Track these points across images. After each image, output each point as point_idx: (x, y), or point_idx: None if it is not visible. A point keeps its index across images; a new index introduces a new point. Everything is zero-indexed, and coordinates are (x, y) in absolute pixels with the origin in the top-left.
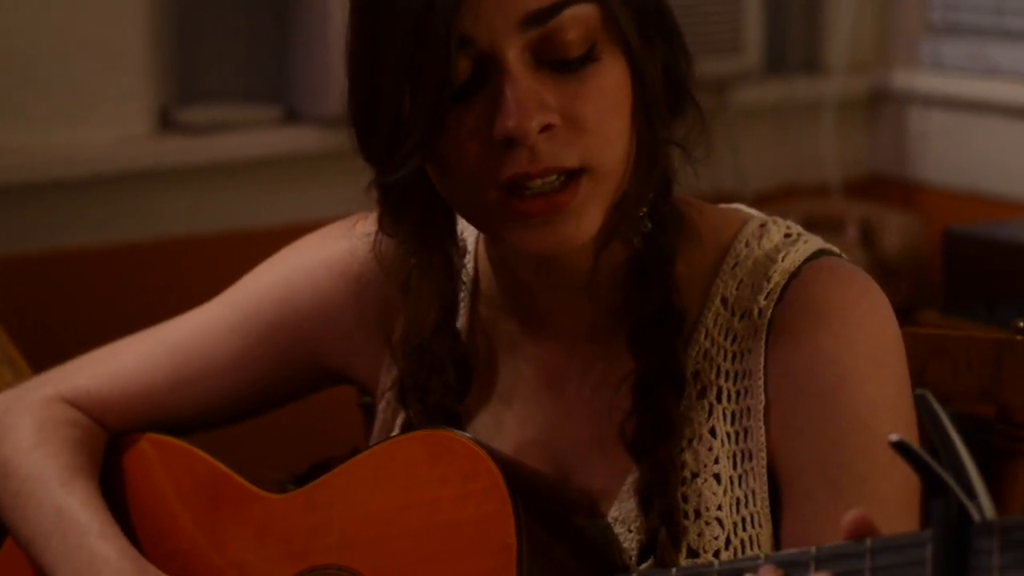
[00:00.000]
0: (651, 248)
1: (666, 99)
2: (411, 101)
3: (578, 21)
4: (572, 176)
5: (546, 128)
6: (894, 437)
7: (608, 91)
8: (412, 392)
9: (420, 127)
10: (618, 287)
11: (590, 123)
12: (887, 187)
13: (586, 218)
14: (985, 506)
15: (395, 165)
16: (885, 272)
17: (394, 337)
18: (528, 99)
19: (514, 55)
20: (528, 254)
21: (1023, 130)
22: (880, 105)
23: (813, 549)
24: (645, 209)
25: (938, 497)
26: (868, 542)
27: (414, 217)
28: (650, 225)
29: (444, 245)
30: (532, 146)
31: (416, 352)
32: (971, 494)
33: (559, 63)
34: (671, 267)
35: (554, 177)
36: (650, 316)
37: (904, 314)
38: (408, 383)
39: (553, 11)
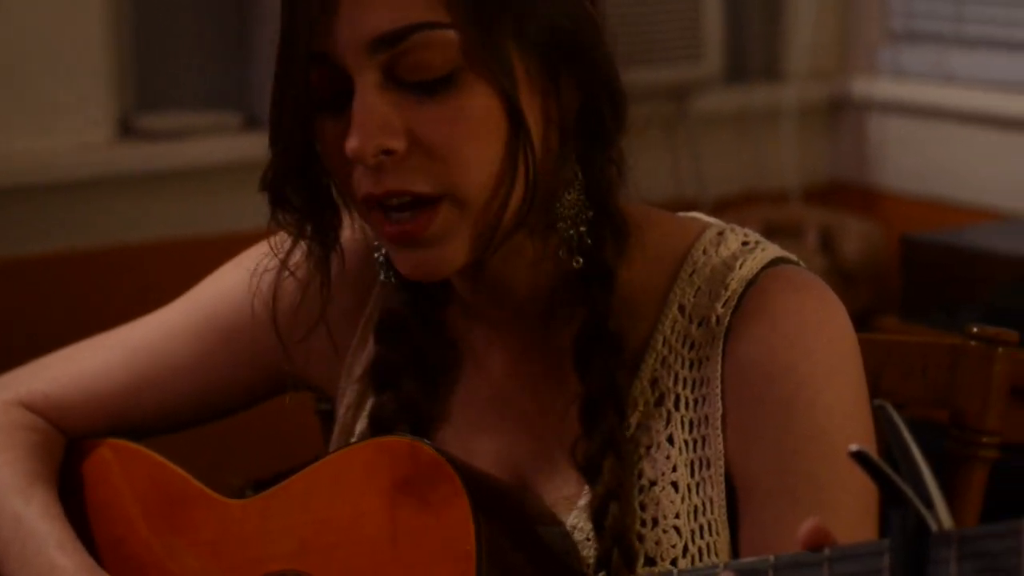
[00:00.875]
0: (590, 267)
1: (582, 130)
2: (282, 108)
3: (433, 45)
4: (430, 202)
5: (389, 152)
6: (853, 447)
7: (468, 119)
8: (383, 378)
9: (285, 134)
10: (558, 304)
11: (443, 149)
12: (847, 194)
13: (447, 248)
14: (943, 516)
15: (270, 168)
16: (845, 278)
17: (362, 324)
18: (370, 121)
19: (365, 75)
20: (404, 275)
21: (982, 137)
22: (840, 112)
23: (771, 558)
24: (583, 228)
25: (896, 507)
26: (827, 551)
27: (294, 212)
28: (590, 242)
29: (335, 244)
30: (377, 167)
31: (391, 340)
32: (929, 504)
33: (417, 85)
34: (610, 286)
35: (408, 199)
36: (589, 339)
37: (863, 320)
38: (380, 370)
39: (402, 35)
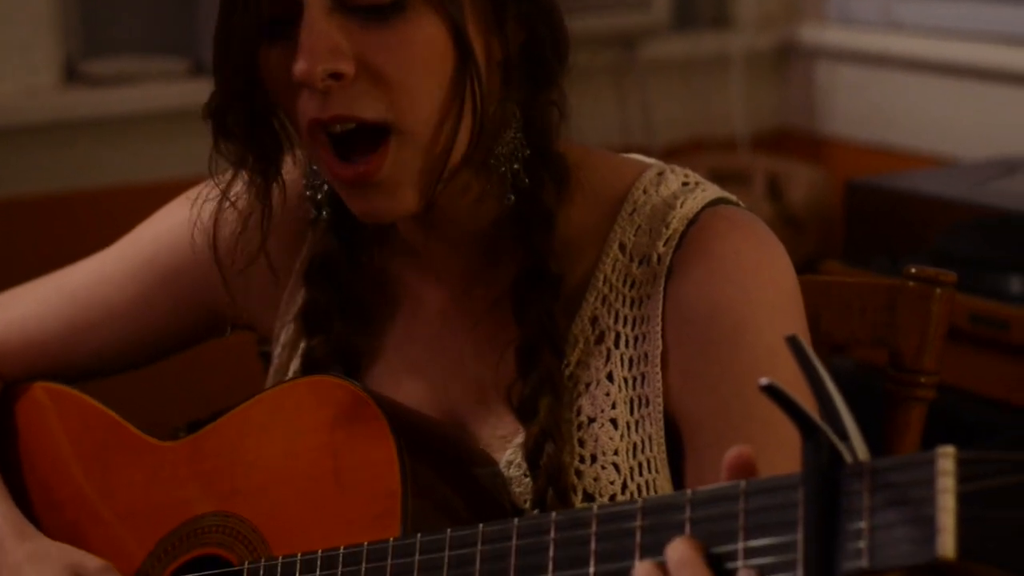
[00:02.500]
0: (528, 204)
1: (524, 69)
2: (228, 34)
3: None
4: (376, 135)
5: (337, 75)
6: (764, 381)
7: (417, 46)
8: (314, 322)
9: (231, 61)
10: (497, 242)
11: (391, 76)
12: (795, 141)
13: (398, 191)
14: (857, 447)
15: (214, 96)
16: (792, 225)
17: (299, 264)
18: (318, 44)
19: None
20: (355, 216)
21: (929, 84)
22: (788, 60)
23: (688, 492)
24: (517, 167)
25: (809, 439)
26: (742, 484)
27: (237, 142)
28: (527, 181)
29: (276, 175)
30: (324, 91)
31: (319, 283)
32: (843, 436)
33: (366, 9)
34: (549, 226)
35: (353, 125)
36: (527, 280)
37: (808, 266)
38: (310, 313)
39: None
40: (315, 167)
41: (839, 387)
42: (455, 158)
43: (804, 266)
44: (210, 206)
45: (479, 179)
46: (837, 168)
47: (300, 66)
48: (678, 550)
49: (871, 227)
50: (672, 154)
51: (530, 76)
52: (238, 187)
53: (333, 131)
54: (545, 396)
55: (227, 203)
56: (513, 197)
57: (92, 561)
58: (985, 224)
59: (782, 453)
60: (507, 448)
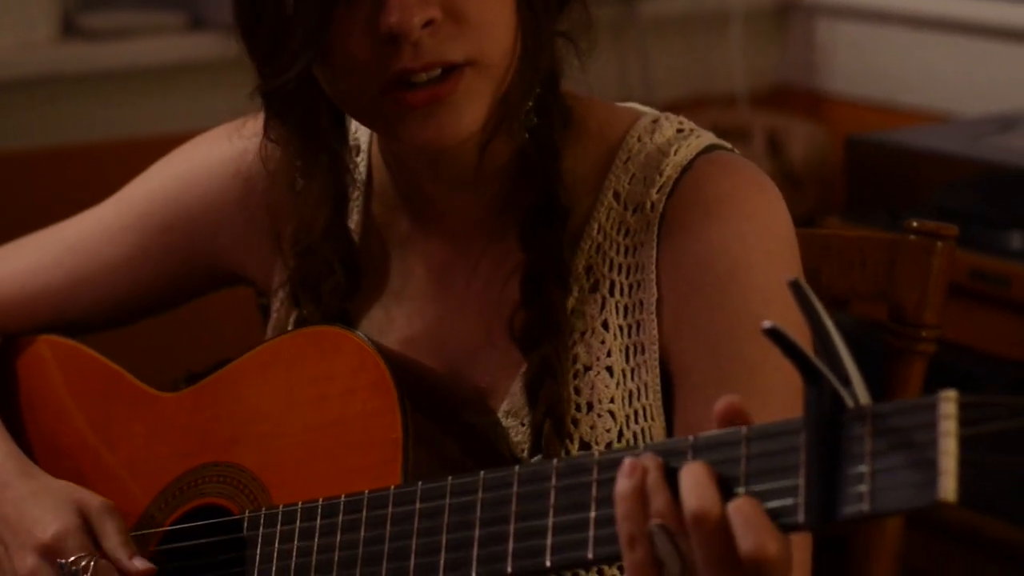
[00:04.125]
0: (537, 143)
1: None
2: (296, 11)
3: None
4: (456, 68)
5: (429, 23)
6: (767, 324)
7: None
8: (303, 292)
9: (306, 24)
10: (506, 182)
11: (473, 16)
12: (794, 97)
13: (469, 110)
14: (859, 393)
15: (282, 66)
16: (791, 182)
17: (283, 238)
18: None
19: None
20: (414, 146)
21: (928, 40)
22: (788, 16)
23: (691, 438)
24: (531, 104)
25: (812, 384)
26: (744, 429)
27: (297, 121)
28: (536, 120)
29: (330, 148)
30: (416, 41)
31: (306, 253)
32: (845, 381)
33: None
34: (558, 162)
35: (439, 71)
36: (537, 211)
37: (808, 222)
38: (298, 283)
39: None
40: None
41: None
42: (518, 88)
43: (804, 222)
44: (203, 158)
45: (491, 116)
46: (837, 125)
47: (393, 18)
48: (693, 470)
49: (871, 183)
50: (671, 111)
51: (538, 9)
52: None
53: (419, 80)
54: (547, 327)
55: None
56: (527, 135)
57: (95, 499)
58: (986, 180)
59: (770, 398)
60: (508, 390)
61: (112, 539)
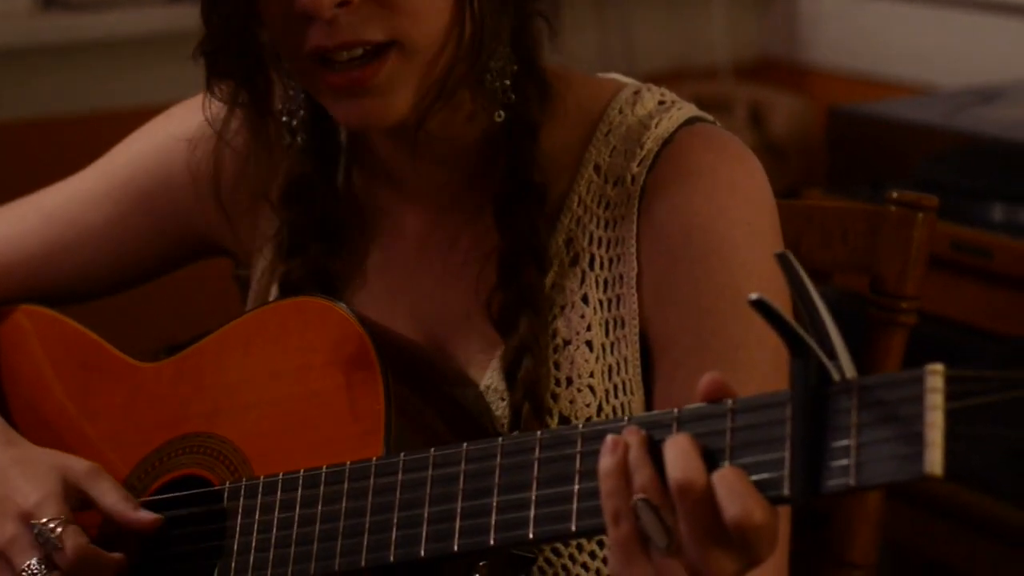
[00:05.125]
0: (513, 120)
1: None
2: None
3: None
4: (380, 50)
5: (345, 2)
6: (754, 296)
7: None
8: (290, 245)
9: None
10: (479, 158)
11: None
12: (777, 70)
13: (393, 96)
14: (845, 366)
15: (214, 31)
16: (774, 154)
17: (271, 188)
18: None
19: None
20: (343, 125)
21: (910, 12)
22: None
23: (675, 411)
24: (508, 82)
25: (798, 357)
26: (729, 402)
27: (233, 82)
28: (513, 96)
29: (270, 110)
30: (331, 20)
31: (297, 203)
32: (831, 354)
33: None
34: (534, 139)
35: (360, 51)
36: (510, 191)
37: (790, 194)
38: (289, 234)
39: None
40: (291, 92)
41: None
42: (456, 73)
43: (786, 194)
44: (182, 127)
45: (472, 95)
46: (819, 97)
47: None
48: (678, 442)
49: (853, 155)
50: (653, 82)
51: None
52: (234, 124)
53: (340, 59)
54: (525, 308)
55: (224, 142)
56: (503, 113)
57: (80, 463)
58: (968, 152)
59: (752, 372)
60: (486, 370)
61: (110, 496)
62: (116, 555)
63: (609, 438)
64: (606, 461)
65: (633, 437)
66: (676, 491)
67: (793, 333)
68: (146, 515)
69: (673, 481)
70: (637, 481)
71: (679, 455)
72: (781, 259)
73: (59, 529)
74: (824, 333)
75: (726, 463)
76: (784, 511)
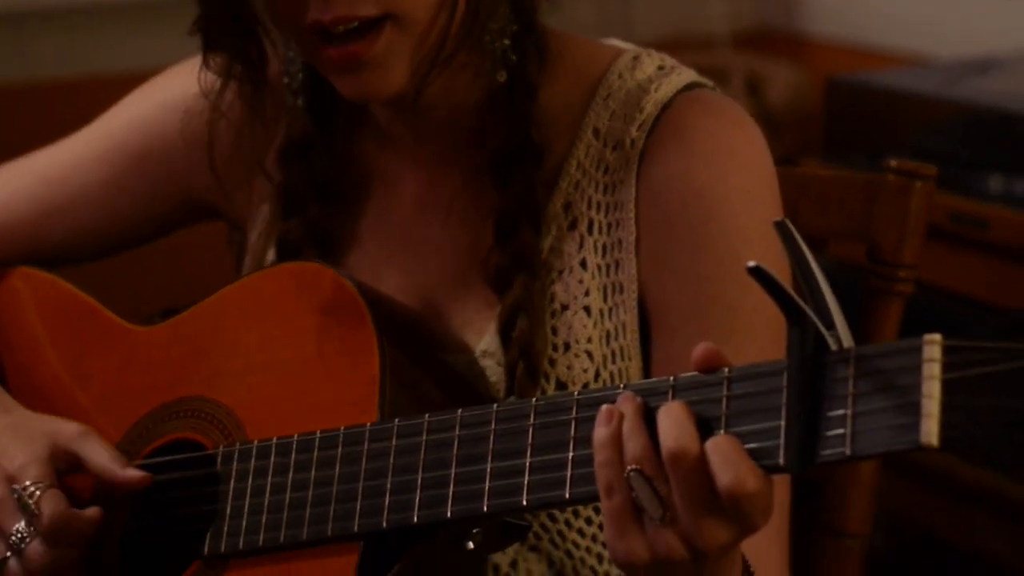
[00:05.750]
0: (514, 81)
1: None
2: None
3: None
4: (375, 23)
5: None
6: (751, 264)
7: None
8: (289, 205)
9: None
10: (479, 119)
11: None
12: (774, 40)
13: (390, 70)
14: (843, 335)
15: (207, 9)
16: (771, 124)
17: (267, 153)
18: None
19: None
20: (344, 97)
21: None
22: None
23: (671, 379)
24: (507, 42)
25: (795, 325)
26: (726, 371)
27: (227, 55)
28: (514, 58)
29: (265, 82)
30: None
31: (296, 164)
32: (829, 324)
33: None
34: (533, 101)
35: (355, 23)
36: (509, 151)
37: (786, 164)
38: (287, 194)
39: None
40: (291, 54)
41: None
42: (450, 42)
43: (782, 165)
44: (178, 91)
45: (473, 57)
46: (816, 67)
47: None
48: (672, 410)
49: (851, 125)
50: None
51: None
52: (228, 95)
53: (335, 31)
54: (520, 269)
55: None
56: (505, 74)
57: (70, 426)
58: (965, 122)
59: (749, 340)
60: (483, 335)
61: (98, 457)
62: (92, 515)
63: (604, 408)
64: (600, 432)
65: (628, 406)
66: (669, 460)
67: (790, 301)
68: (134, 473)
69: (666, 450)
70: (630, 451)
71: (672, 424)
72: (780, 227)
73: (37, 493)
74: (822, 302)
75: (721, 431)
76: (785, 481)
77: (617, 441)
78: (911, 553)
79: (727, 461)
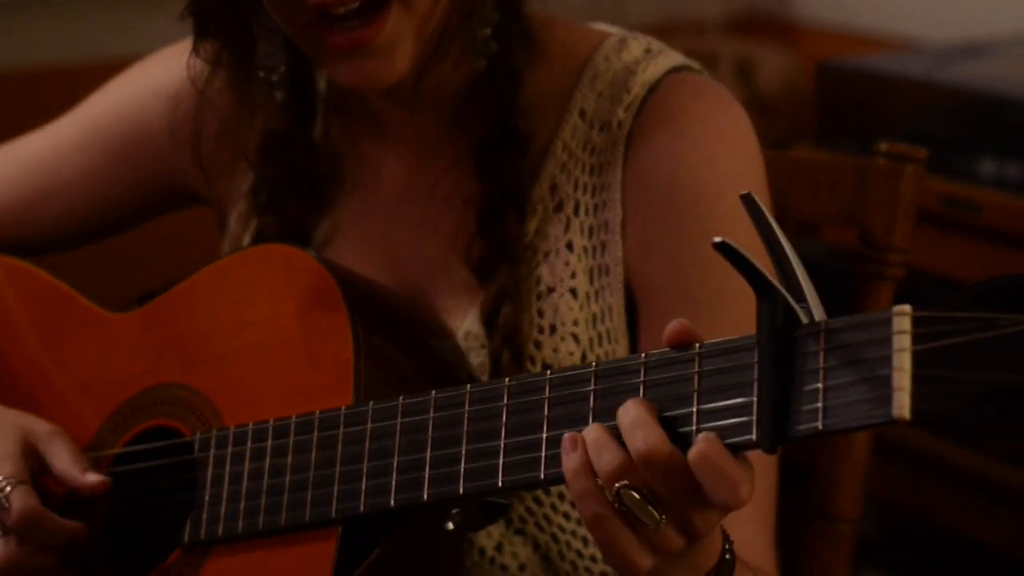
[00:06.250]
0: (497, 68)
1: None
2: None
3: None
4: (379, 5)
5: None
6: (717, 239)
7: None
8: (267, 201)
9: None
10: (462, 105)
11: None
12: (765, 25)
13: (396, 55)
14: (814, 308)
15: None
16: (762, 109)
17: (250, 145)
18: None
19: None
20: (343, 85)
21: None
22: None
23: (642, 356)
24: (489, 31)
25: (764, 300)
26: (697, 347)
27: (218, 43)
28: (495, 47)
29: (254, 71)
30: None
31: (269, 162)
32: (799, 297)
33: None
34: (517, 87)
35: (356, 3)
36: (492, 139)
37: (778, 149)
38: (263, 191)
39: None
40: (272, 49)
41: (800, 256)
42: (451, 24)
43: (774, 149)
44: (160, 78)
45: (456, 44)
46: (807, 53)
47: None
48: (630, 412)
49: (842, 110)
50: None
51: None
52: (216, 84)
53: (336, 12)
54: (504, 257)
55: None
56: (484, 62)
57: (42, 425)
58: (957, 106)
59: (739, 324)
60: (466, 317)
61: (61, 459)
62: (64, 521)
63: (566, 436)
64: (569, 460)
65: (589, 429)
66: (642, 463)
67: (759, 276)
68: (92, 478)
69: (636, 453)
70: (607, 465)
71: (633, 424)
72: (746, 200)
73: (8, 488)
74: (792, 276)
75: (693, 428)
76: (771, 466)
77: (588, 467)
78: (901, 537)
79: (714, 471)
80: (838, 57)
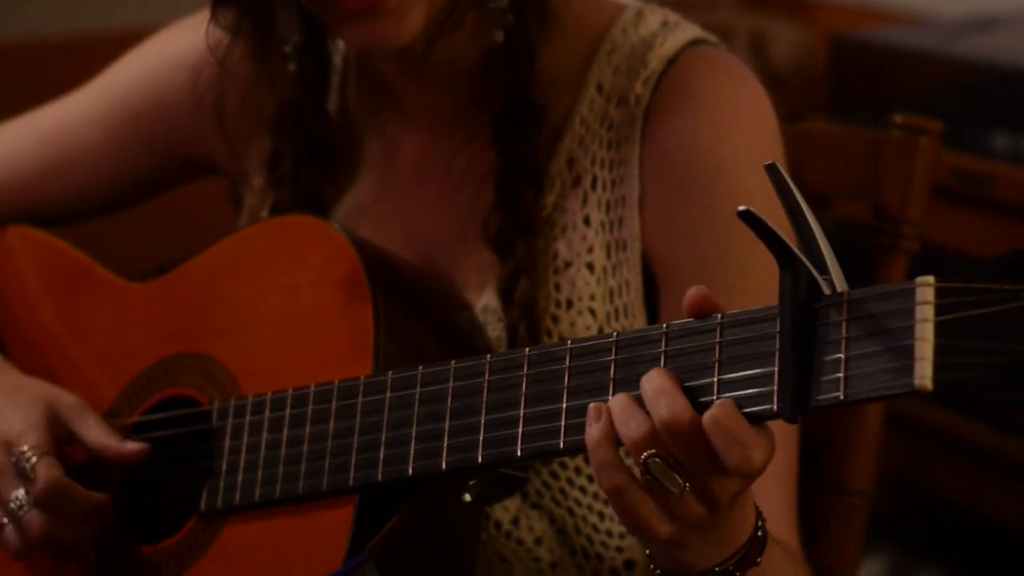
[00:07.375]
0: (513, 40)
1: None
2: None
3: None
4: None
5: None
6: (742, 208)
7: None
8: (283, 171)
9: None
10: (478, 78)
11: None
12: None
13: (407, 17)
14: (836, 279)
15: None
16: (775, 83)
17: (265, 115)
18: None
19: None
20: (354, 49)
21: None
22: None
23: (664, 326)
24: (505, 2)
25: (787, 271)
26: (719, 317)
27: (236, 10)
28: (512, 18)
29: (274, 36)
30: None
31: (285, 134)
32: (822, 269)
33: None
34: (533, 60)
35: None
36: (509, 111)
37: (791, 123)
38: (279, 161)
39: None
40: (288, 18)
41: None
42: None
43: (788, 122)
44: (180, 49)
45: (473, 15)
46: (820, 26)
47: None
48: (655, 381)
49: (856, 84)
50: None
51: None
52: (237, 52)
53: None
54: (521, 231)
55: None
56: (501, 33)
57: (67, 397)
58: (970, 80)
59: (759, 299)
60: (484, 290)
61: (95, 431)
62: (91, 493)
63: (591, 406)
64: (592, 430)
65: (614, 399)
66: (664, 430)
67: (782, 246)
68: (133, 446)
69: (659, 420)
70: (632, 433)
71: (656, 393)
72: (771, 170)
73: (34, 459)
74: (815, 247)
75: (715, 397)
76: (791, 439)
77: (611, 436)
78: (912, 511)
79: (725, 434)
80: (851, 31)
